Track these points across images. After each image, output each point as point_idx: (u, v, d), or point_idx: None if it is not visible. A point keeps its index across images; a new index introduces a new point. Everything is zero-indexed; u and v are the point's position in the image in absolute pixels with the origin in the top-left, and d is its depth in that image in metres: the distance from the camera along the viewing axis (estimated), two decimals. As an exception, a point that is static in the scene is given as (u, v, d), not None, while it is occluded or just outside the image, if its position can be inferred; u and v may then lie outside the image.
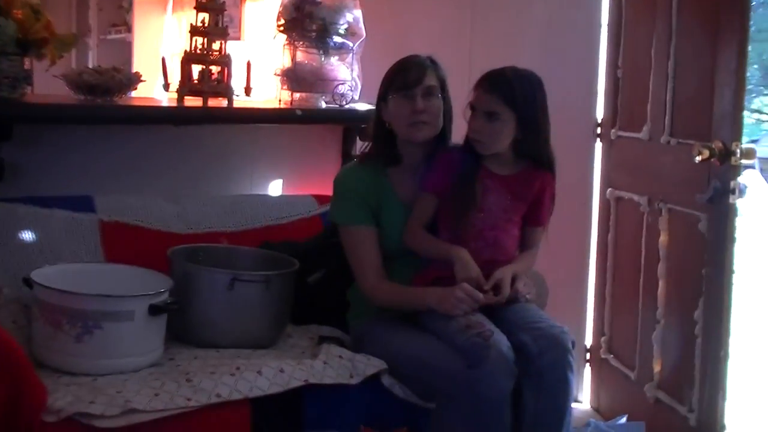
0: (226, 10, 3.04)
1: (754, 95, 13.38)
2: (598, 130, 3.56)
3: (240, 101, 3.04)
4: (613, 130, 3.43)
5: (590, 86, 3.56)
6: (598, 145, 3.56)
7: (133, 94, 3.01)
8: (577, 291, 3.65)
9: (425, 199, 2.42)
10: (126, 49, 6.77)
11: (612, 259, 3.46)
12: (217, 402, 2.04)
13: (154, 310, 2.17)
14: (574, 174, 3.61)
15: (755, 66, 13.38)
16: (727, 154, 2.63)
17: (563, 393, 2.17)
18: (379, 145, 2.51)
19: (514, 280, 2.35)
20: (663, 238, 3.04)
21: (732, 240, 2.69)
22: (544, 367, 2.15)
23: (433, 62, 2.48)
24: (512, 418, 2.15)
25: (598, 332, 3.56)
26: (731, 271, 2.70)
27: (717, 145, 2.65)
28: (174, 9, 6.31)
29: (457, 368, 2.14)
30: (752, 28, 2.78)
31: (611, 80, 3.46)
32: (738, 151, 2.62)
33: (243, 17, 5.75)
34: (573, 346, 2.21)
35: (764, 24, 12.74)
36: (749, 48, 2.63)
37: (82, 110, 2.65)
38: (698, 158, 2.66)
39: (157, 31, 6.48)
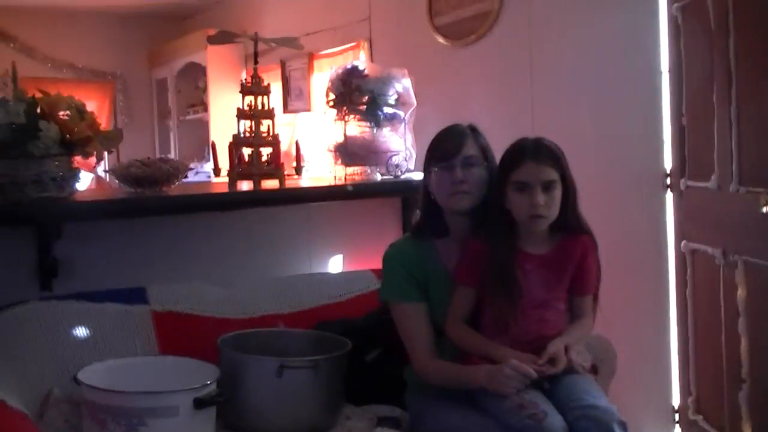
0: (271, 92, 3.04)
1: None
2: (668, 181, 3.41)
3: (294, 181, 3.03)
4: (682, 180, 3.28)
5: (656, 136, 3.43)
6: (669, 196, 3.42)
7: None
8: (661, 349, 3.49)
9: (462, 292, 2.35)
10: (203, 127, 6.97)
11: (692, 315, 3.29)
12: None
13: (199, 404, 2.13)
14: (648, 227, 3.51)
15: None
16: (797, 201, 2.48)
17: None
18: (427, 217, 2.46)
19: (566, 350, 2.23)
20: (741, 292, 2.87)
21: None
22: None
23: (473, 130, 2.43)
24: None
25: (685, 392, 3.37)
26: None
27: (785, 192, 2.50)
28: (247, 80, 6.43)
29: (509, 450, 2.04)
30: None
31: (676, 128, 3.33)
32: (808, 197, 2.46)
33: (311, 88, 5.84)
34: (624, 427, 2.08)
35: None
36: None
37: (127, 204, 2.68)
38: (765, 209, 2.51)
39: (232, 107, 6.60)
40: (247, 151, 2.97)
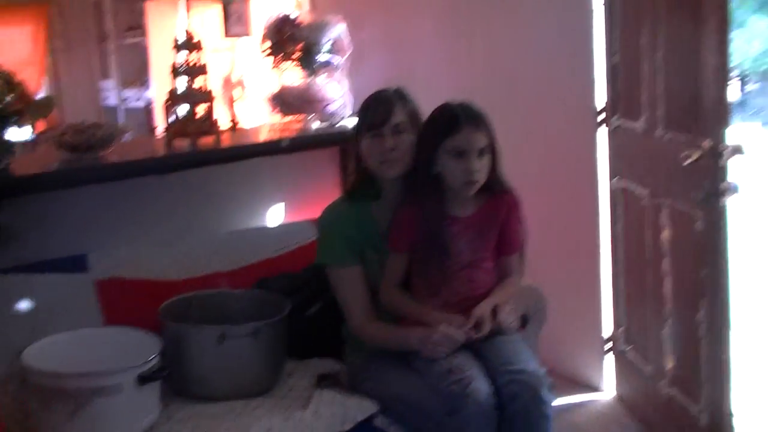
0: (202, 48, 3.02)
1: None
2: (601, 118, 3.48)
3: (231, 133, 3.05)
4: (614, 118, 3.35)
5: (587, 72, 3.47)
6: (603, 133, 3.49)
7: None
8: (592, 282, 3.62)
9: (395, 259, 2.42)
10: (143, 52, 6.84)
11: (623, 251, 3.41)
12: (207, 469, 2.09)
13: (142, 380, 2.21)
14: (580, 164, 3.59)
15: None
16: (716, 154, 2.57)
17: None
18: (360, 181, 2.51)
19: (495, 312, 2.33)
20: (666, 234, 2.98)
21: (725, 241, 2.63)
22: (515, 414, 2.16)
23: (401, 96, 2.45)
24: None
25: (616, 323, 3.53)
26: (727, 274, 2.65)
27: (705, 145, 2.58)
28: (188, 8, 6.33)
29: (441, 412, 2.16)
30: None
31: (609, 66, 3.37)
32: (726, 151, 2.55)
33: (250, 13, 5.77)
34: (550, 390, 2.19)
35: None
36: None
37: (62, 174, 2.69)
38: (685, 162, 2.60)
39: (172, 29, 6.51)
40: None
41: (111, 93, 7.37)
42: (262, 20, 5.07)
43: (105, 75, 7.42)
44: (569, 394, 3.63)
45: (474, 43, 3.88)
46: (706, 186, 2.62)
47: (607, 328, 3.60)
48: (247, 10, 5.76)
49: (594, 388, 3.67)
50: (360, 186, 2.53)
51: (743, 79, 15.13)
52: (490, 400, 2.15)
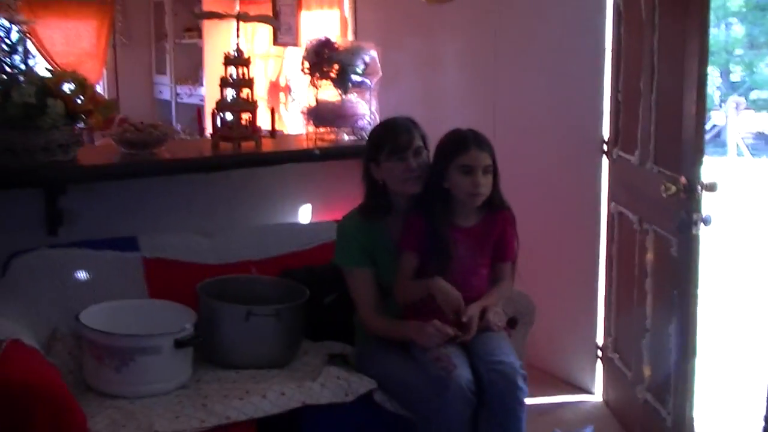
0: (250, 63, 3.42)
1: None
2: (605, 148, 3.84)
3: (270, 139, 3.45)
4: (615, 149, 3.71)
5: (597, 107, 3.84)
6: (606, 162, 3.85)
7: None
8: (589, 294, 3.98)
9: (406, 257, 2.77)
10: (198, 52, 7.30)
11: (616, 268, 3.76)
12: (227, 423, 2.48)
13: (179, 344, 2.62)
14: (584, 188, 3.95)
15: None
16: (690, 189, 2.92)
17: (510, 422, 2.53)
18: (373, 200, 2.87)
19: (484, 312, 2.71)
20: (650, 256, 3.33)
21: (696, 266, 2.98)
22: (492, 398, 2.52)
23: (414, 124, 2.84)
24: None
25: (607, 333, 3.88)
26: (696, 295, 3.00)
27: (682, 181, 2.94)
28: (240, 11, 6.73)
29: (429, 393, 2.54)
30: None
31: (614, 103, 3.73)
32: (699, 187, 2.90)
33: (300, 25, 6.17)
34: (525, 380, 2.54)
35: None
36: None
37: (120, 168, 3.12)
38: (665, 194, 2.96)
39: (226, 34, 6.96)
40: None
41: (165, 88, 7.85)
42: (310, 34, 5.50)
43: (160, 71, 7.90)
44: (563, 395, 4.01)
45: (498, 71, 4.27)
46: (681, 216, 2.97)
47: (600, 336, 3.96)
48: (297, 22, 6.17)
49: (585, 391, 4.04)
50: (373, 204, 2.88)
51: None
52: (471, 385, 2.52)
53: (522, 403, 2.56)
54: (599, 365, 3.98)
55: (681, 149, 3.00)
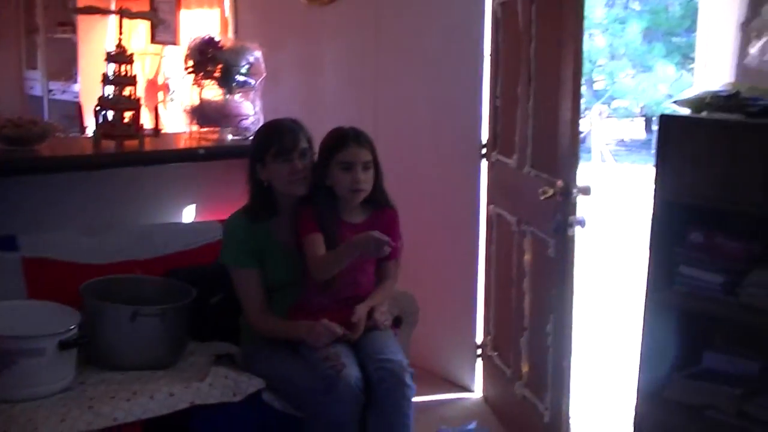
0: (133, 61, 3.38)
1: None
2: (484, 151, 3.96)
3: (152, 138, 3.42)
4: (493, 153, 3.84)
5: (476, 112, 3.96)
6: (485, 165, 3.97)
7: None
8: (469, 294, 4.10)
9: (311, 240, 2.77)
10: (72, 47, 7.10)
11: (495, 269, 3.89)
12: (114, 425, 2.45)
13: (63, 346, 2.57)
14: (464, 190, 4.07)
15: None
16: (567, 193, 3.06)
17: (398, 419, 2.60)
18: (259, 200, 2.89)
19: (371, 312, 2.77)
20: (527, 257, 3.47)
21: (572, 266, 3.12)
22: (381, 395, 2.59)
23: (299, 125, 2.87)
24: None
25: (486, 332, 4.01)
26: (572, 294, 3.14)
27: (558, 184, 3.07)
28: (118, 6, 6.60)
29: (317, 391, 2.58)
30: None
31: (492, 108, 3.86)
32: (575, 190, 3.05)
33: (179, 23, 6.10)
34: (412, 378, 2.62)
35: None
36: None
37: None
38: (543, 197, 3.09)
39: (101, 30, 6.81)
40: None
41: (36, 83, 7.61)
42: (190, 33, 5.44)
43: (31, 66, 7.65)
44: (443, 393, 4.11)
45: (379, 74, 4.34)
46: (557, 218, 3.11)
47: (479, 335, 4.08)
48: (177, 20, 6.09)
49: (465, 389, 4.15)
50: (259, 205, 2.90)
51: (648, 121, 16.24)
52: (359, 383, 2.57)
53: (409, 400, 2.63)
54: (479, 363, 4.10)
55: (557, 154, 3.14)
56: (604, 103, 15.88)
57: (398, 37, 4.25)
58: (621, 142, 16.21)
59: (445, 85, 4.08)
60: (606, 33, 15.97)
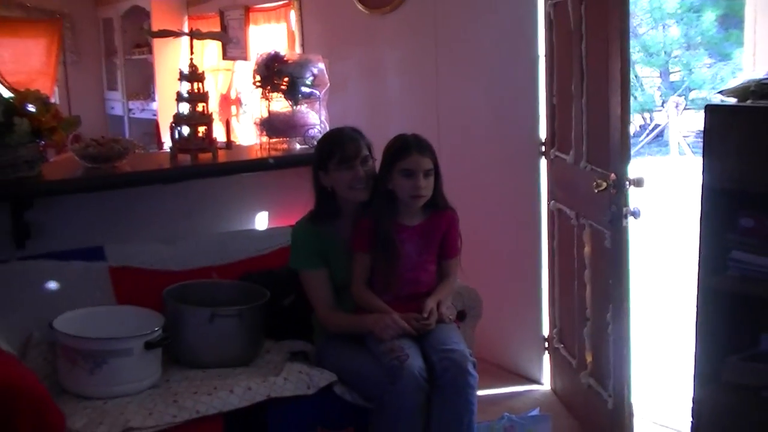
0: (204, 78, 3.60)
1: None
2: (543, 149, 4.07)
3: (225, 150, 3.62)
4: (552, 150, 3.95)
5: (533, 111, 4.07)
6: (544, 162, 4.08)
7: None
8: (534, 288, 4.22)
9: (360, 258, 2.97)
10: (149, 67, 7.43)
11: (558, 262, 4.00)
12: (197, 417, 2.65)
13: (148, 346, 2.78)
14: (525, 187, 4.19)
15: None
16: (619, 185, 3.16)
17: (462, 406, 2.73)
18: (323, 206, 3.06)
19: (437, 305, 2.92)
20: (587, 249, 3.57)
21: (627, 256, 3.22)
22: (445, 384, 2.73)
23: (359, 133, 3.03)
24: (425, 425, 2.75)
25: (552, 325, 4.11)
26: (628, 283, 3.23)
27: (611, 177, 3.17)
28: (189, 27, 6.90)
29: (383, 382, 2.73)
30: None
31: (550, 106, 3.97)
32: (627, 182, 3.14)
33: (248, 39, 6.34)
34: (474, 367, 2.76)
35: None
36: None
37: (85, 181, 3.28)
38: (596, 190, 3.19)
39: (176, 49, 7.11)
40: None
41: (117, 103, 7.97)
42: (259, 48, 5.67)
43: (111, 87, 8.02)
44: (513, 386, 4.24)
45: (439, 79, 4.49)
46: (612, 210, 3.21)
47: (546, 328, 4.19)
48: (246, 36, 6.34)
49: (535, 381, 4.27)
50: (324, 209, 3.07)
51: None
52: (423, 373, 2.72)
53: (473, 388, 2.76)
54: (546, 356, 4.21)
55: (609, 148, 3.24)
56: (680, 95, 15.64)
57: (456, 42, 4.40)
58: (700, 134, 15.87)
59: (503, 86, 4.21)
60: (680, 23, 15.72)
